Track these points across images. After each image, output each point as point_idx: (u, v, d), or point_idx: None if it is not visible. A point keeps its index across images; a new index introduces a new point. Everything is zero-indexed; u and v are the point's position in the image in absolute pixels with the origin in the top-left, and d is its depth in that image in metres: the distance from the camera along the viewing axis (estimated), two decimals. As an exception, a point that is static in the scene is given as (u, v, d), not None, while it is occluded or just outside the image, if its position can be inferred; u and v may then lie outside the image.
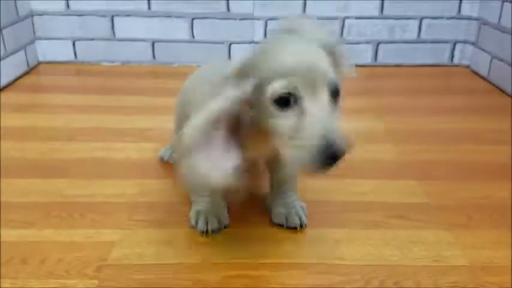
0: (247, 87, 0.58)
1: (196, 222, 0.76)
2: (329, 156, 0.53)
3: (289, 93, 0.56)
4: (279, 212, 0.78)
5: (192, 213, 0.78)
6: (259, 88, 0.58)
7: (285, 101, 0.56)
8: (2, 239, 0.74)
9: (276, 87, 0.56)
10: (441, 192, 0.88)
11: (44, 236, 0.75)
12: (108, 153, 1.01)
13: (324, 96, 0.56)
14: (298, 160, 0.55)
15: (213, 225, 0.75)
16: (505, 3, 1.39)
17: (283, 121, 0.56)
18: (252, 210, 0.82)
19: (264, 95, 0.57)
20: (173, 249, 0.73)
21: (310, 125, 0.54)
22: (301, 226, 0.76)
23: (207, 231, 0.75)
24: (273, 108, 0.57)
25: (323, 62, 0.58)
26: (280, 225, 0.77)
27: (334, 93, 0.58)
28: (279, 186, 0.79)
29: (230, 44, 1.60)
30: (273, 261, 0.70)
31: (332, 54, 0.62)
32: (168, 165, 0.96)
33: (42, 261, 0.69)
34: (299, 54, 0.58)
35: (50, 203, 0.83)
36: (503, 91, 1.40)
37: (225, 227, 0.77)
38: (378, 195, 0.87)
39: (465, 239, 0.75)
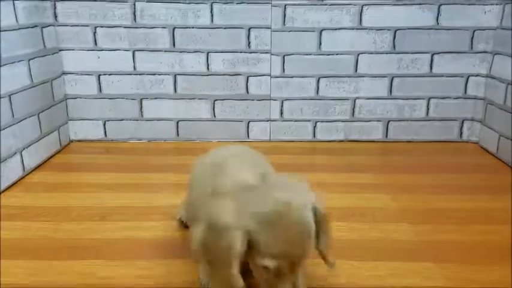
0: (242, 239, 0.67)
1: None
2: None
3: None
4: None
5: None
6: (254, 245, 0.67)
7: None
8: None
9: (266, 263, 0.67)
10: (460, 277, 0.89)
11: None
12: (137, 232, 1.07)
13: (297, 269, 0.68)
14: None
15: None
16: (510, 86, 1.48)
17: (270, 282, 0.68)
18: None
19: (256, 258, 0.67)
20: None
21: None
22: None
23: None
24: (262, 270, 0.68)
25: (309, 245, 0.68)
26: None
27: None
28: None
29: (248, 122, 1.70)
30: None
31: (317, 221, 0.71)
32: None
33: None
34: (293, 240, 0.67)
35: (84, 285, 0.88)
36: (512, 168, 1.45)
37: None
38: (397, 279, 0.89)
39: (487, 328, 0.76)
